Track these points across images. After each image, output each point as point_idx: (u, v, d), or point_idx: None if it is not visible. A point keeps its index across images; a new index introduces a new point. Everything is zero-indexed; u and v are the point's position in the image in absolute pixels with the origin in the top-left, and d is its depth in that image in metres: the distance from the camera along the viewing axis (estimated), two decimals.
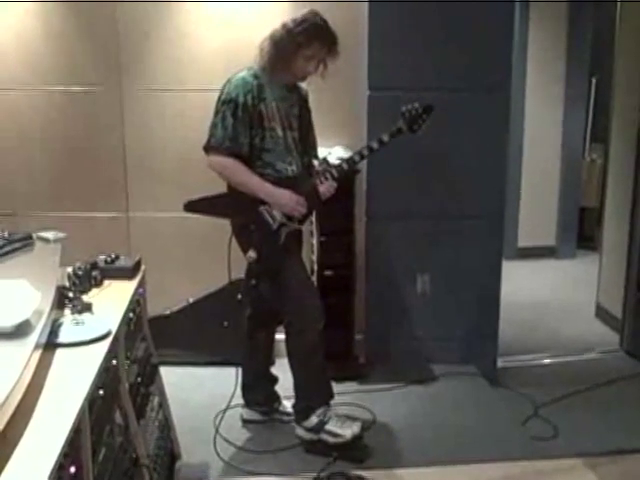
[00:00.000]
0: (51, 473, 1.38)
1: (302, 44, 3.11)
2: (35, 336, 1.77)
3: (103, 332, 2.11)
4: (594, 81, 7.17)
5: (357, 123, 4.08)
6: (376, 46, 3.95)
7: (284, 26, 3.14)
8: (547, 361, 4.42)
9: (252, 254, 3.11)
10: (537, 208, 7.01)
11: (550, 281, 6.37)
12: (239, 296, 3.34)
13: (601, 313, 5.15)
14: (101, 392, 1.88)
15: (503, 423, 3.62)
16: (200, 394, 3.86)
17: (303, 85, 3.39)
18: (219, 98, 3.14)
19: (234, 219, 3.25)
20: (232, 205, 3.23)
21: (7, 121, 4.27)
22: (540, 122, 6.86)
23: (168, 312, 4.22)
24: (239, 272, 3.25)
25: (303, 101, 3.39)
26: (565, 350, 4.56)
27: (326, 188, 3.21)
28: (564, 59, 6.81)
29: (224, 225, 3.27)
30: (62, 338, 2.05)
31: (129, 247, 4.18)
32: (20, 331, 1.77)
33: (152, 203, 4.29)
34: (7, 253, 2.57)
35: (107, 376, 2.02)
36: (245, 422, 3.60)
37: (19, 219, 4.16)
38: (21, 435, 1.51)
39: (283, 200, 3.15)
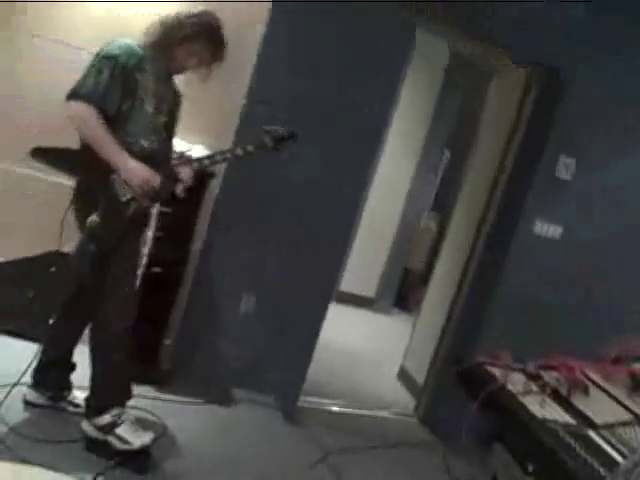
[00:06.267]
0: None
1: (188, 37, 3.06)
2: None
3: None
4: (447, 153, 7.54)
5: (226, 129, 3.93)
6: (264, 62, 3.86)
7: (177, 15, 3.09)
8: (345, 410, 4.46)
9: (95, 218, 2.87)
10: (365, 259, 7.16)
11: (364, 332, 6.51)
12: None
13: (403, 376, 5.27)
14: None
15: (291, 462, 3.57)
16: None
17: (179, 89, 3.28)
18: (97, 54, 2.93)
19: (81, 180, 3.02)
20: (83, 164, 2.96)
21: None
22: (390, 181, 7.06)
23: None
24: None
25: (176, 99, 3.27)
26: (363, 404, 4.62)
27: (186, 174, 3.14)
28: (425, 131, 7.11)
29: (61, 188, 3.05)
30: None
31: None
32: None
33: None
34: None
35: None
36: (27, 404, 3.31)
37: None
38: None
39: (133, 172, 2.94)
